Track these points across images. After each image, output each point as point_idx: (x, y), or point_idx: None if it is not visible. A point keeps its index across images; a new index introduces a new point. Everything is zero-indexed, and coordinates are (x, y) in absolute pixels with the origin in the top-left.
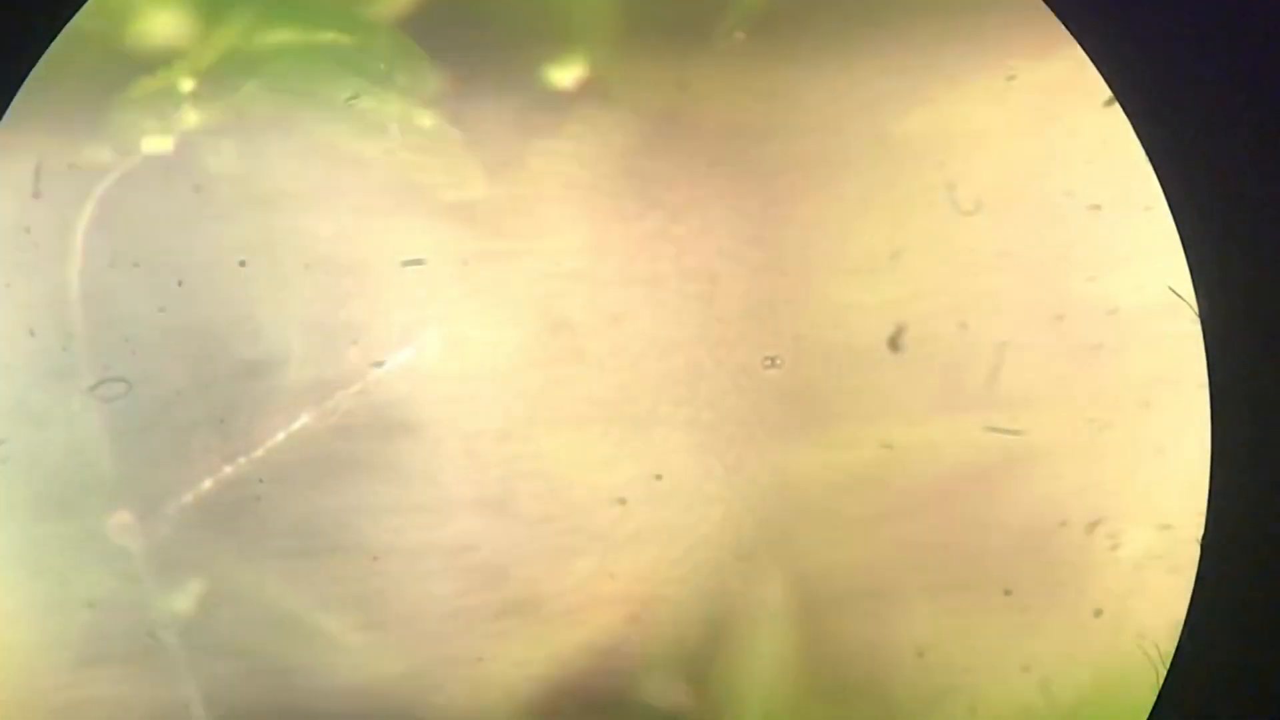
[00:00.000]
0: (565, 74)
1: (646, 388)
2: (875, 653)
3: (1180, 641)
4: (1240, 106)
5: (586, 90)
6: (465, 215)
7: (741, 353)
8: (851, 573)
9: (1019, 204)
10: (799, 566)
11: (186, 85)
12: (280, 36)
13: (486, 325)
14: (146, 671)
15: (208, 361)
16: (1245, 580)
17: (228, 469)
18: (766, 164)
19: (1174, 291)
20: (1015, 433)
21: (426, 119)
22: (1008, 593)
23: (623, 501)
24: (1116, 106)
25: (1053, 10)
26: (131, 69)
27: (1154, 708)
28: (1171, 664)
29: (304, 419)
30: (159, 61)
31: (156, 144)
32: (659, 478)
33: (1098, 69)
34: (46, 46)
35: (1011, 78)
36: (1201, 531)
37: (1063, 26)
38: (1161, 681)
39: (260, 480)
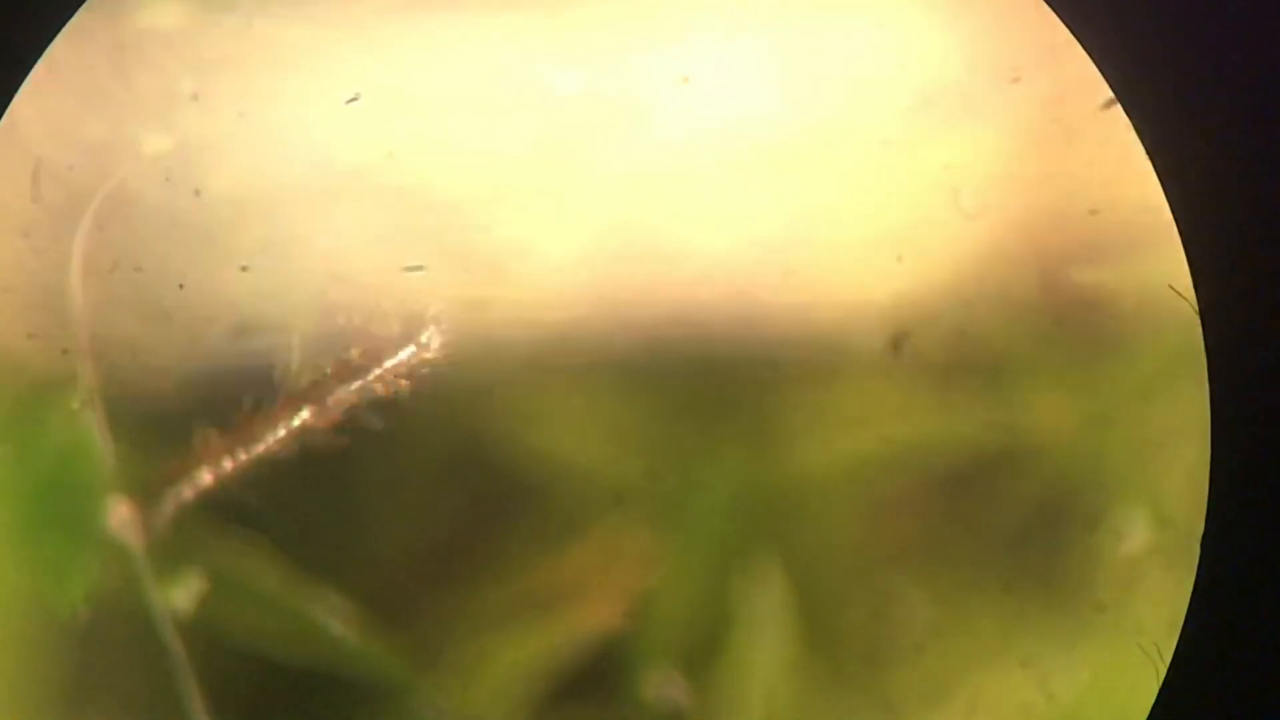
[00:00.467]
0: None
1: (648, 381)
2: (875, 649)
3: (1180, 638)
4: (1240, 107)
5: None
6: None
7: (744, 351)
8: (851, 570)
9: (1021, 205)
10: (799, 565)
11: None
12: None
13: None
14: (147, 670)
15: (208, 361)
16: (1245, 577)
17: (228, 467)
18: (768, 163)
19: (1174, 290)
20: (1016, 431)
21: None
22: (1007, 589)
23: (621, 499)
24: (1118, 107)
25: (1055, 12)
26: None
27: (1154, 705)
28: (1172, 661)
29: (304, 417)
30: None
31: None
32: (658, 473)
33: (1100, 70)
34: (46, 46)
35: (1015, 79)
36: (1202, 529)
37: (1065, 28)
38: (1162, 679)
39: (261, 478)
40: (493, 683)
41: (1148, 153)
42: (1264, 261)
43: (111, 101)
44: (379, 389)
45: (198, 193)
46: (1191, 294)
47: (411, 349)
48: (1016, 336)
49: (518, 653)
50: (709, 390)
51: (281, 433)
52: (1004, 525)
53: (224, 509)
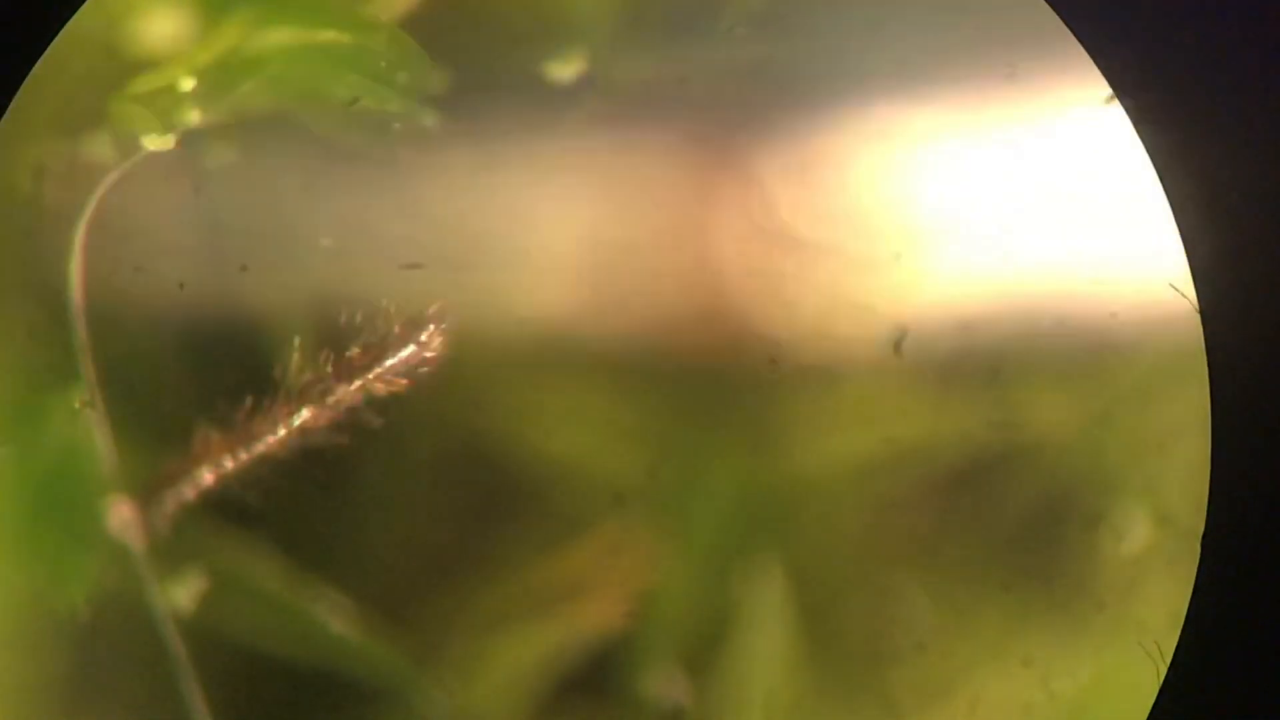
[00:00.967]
0: (565, 69)
1: (648, 381)
2: (876, 648)
3: (1181, 637)
4: (1240, 105)
5: (587, 85)
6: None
7: (744, 351)
8: (852, 569)
9: (1020, 203)
10: (799, 564)
11: (186, 85)
12: (280, 36)
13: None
14: (147, 670)
15: (208, 361)
16: (1246, 576)
17: (228, 466)
18: (767, 162)
19: (1175, 289)
20: (1016, 429)
21: (427, 117)
22: (1008, 588)
23: (621, 498)
24: (1117, 104)
25: (1054, 8)
26: (131, 69)
27: (1155, 703)
28: (1172, 660)
29: (304, 416)
30: (158, 62)
31: (157, 144)
32: (658, 473)
33: (1098, 67)
34: (46, 46)
35: (1012, 75)
36: (1202, 528)
37: (1064, 24)
38: (1163, 677)
39: (261, 477)
40: (493, 682)
41: (1148, 152)
42: (1264, 261)
43: (111, 101)
44: (379, 388)
45: (198, 191)
46: (1192, 293)
47: (411, 348)
48: (1016, 336)
49: (518, 652)
50: (709, 390)
51: (281, 432)
52: (1004, 525)
53: (224, 509)
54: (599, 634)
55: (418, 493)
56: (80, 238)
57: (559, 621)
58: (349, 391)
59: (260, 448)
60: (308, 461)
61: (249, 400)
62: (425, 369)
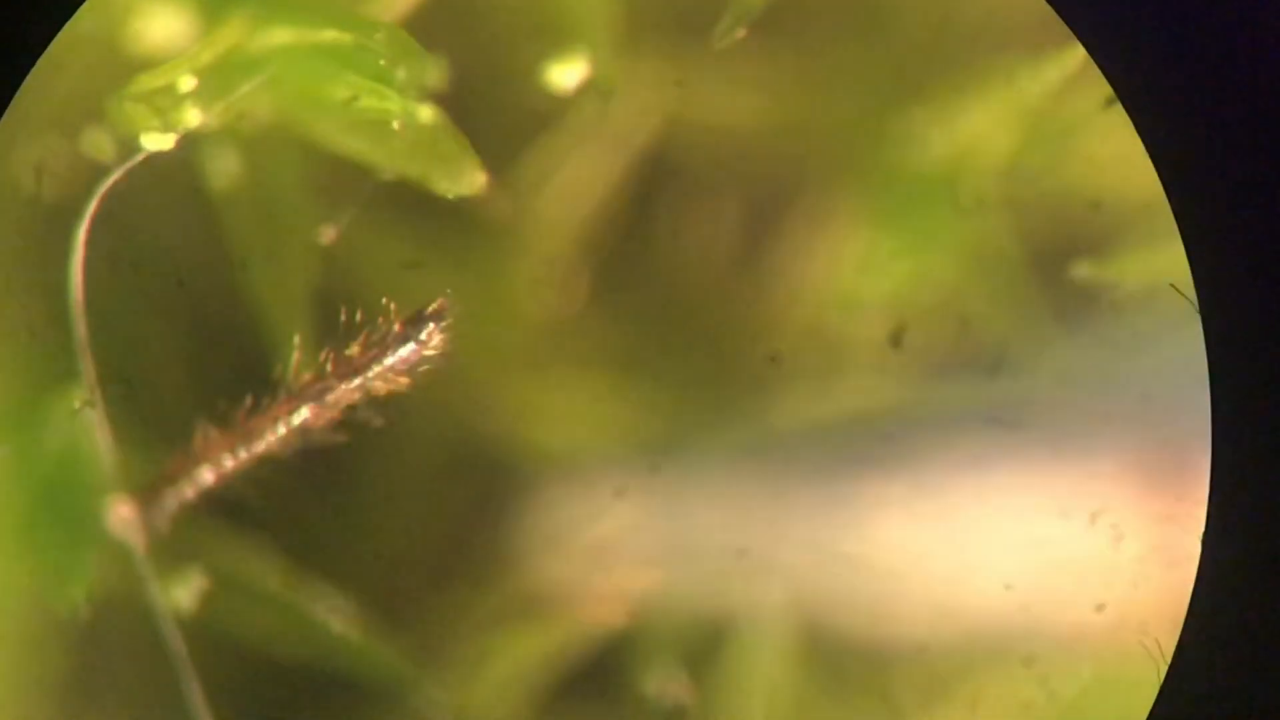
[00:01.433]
0: (566, 70)
1: (647, 380)
2: (876, 648)
3: (1181, 637)
4: (1241, 105)
5: (587, 88)
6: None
7: (744, 349)
8: (852, 569)
9: (1020, 202)
10: (799, 563)
11: (187, 85)
12: (280, 36)
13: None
14: (148, 669)
15: (208, 360)
16: (1246, 575)
17: (229, 466)
18: (767, 162)
19: (1175, 288)
20: (1016, 427)
21: (427, 115)
22: (1008, 587)
23: (622, 494)
24: (1118, 104)
25: (1054, 8)
26: (131, 69)
27: (1155, 703)
28: (1172, 659)
29: (304, 415)
30: (158, 61)
31: (157, 144)
32: (658, 471)
33: (1099, 67)
34: (46, 46)
35: (1013, 76)
36: (1203, 526)
37: (1065, 24)
38: (1162, 677)
39: (261, 475)
40: (494, 681)
41: (1148, 150)
42: (1265, 260)
43: (111, 101)
44: (379, 386)
45: (198, 190)
46: (1192, 292)
47: (411, 346)
48: (1016, 332)
49: (518, 652)
50: (709, 386)
51: (281, 431)
52: (1005, 523)
53: (224, 508)
54: (598, 634)
55: (418, 492)
56: (81, 237)
57: (559, 621)
58: (349, 390)
59: (260, 447)
60: (308, 461)
61: (249, 399)
62: (425, 367)
